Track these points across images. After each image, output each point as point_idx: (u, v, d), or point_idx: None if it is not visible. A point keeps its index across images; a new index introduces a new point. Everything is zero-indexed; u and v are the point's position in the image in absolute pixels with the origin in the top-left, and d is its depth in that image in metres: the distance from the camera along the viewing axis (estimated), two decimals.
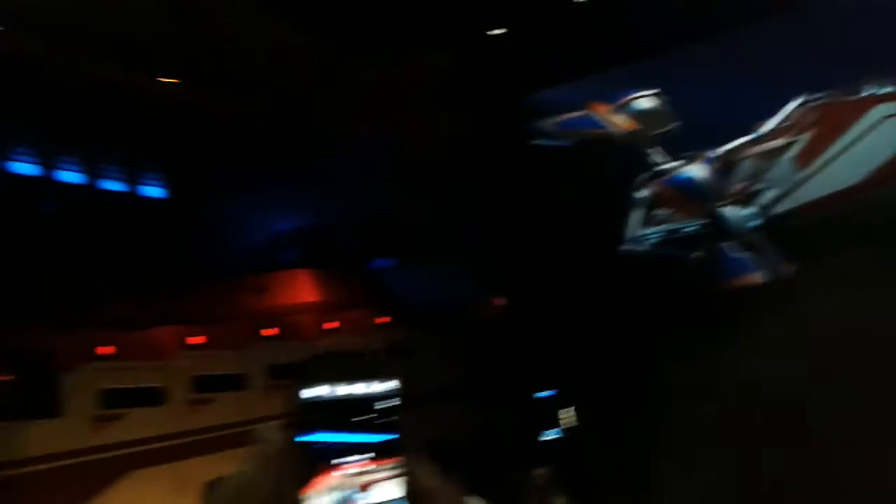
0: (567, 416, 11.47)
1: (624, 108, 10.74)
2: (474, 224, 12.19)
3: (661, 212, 10.67)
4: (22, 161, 12.02)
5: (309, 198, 12.59)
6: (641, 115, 10.65)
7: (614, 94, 10.75)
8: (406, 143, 11.16)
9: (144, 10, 9.04)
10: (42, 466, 7.64)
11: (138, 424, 8.59)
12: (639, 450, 9.47)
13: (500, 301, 12.46)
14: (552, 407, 11.45)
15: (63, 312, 10.05)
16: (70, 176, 12.66)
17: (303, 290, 11.86)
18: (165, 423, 8.84)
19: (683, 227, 10.47)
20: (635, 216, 10.71)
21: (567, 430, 11.54)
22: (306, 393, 0.63)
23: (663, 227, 10.61)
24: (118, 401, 8.50)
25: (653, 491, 8.98)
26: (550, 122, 11.15)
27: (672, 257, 10.40)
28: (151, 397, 8.86)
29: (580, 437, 11.20)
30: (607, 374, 10.44)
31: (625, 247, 10.64)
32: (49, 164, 12.38)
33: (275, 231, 13.66)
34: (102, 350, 8.64)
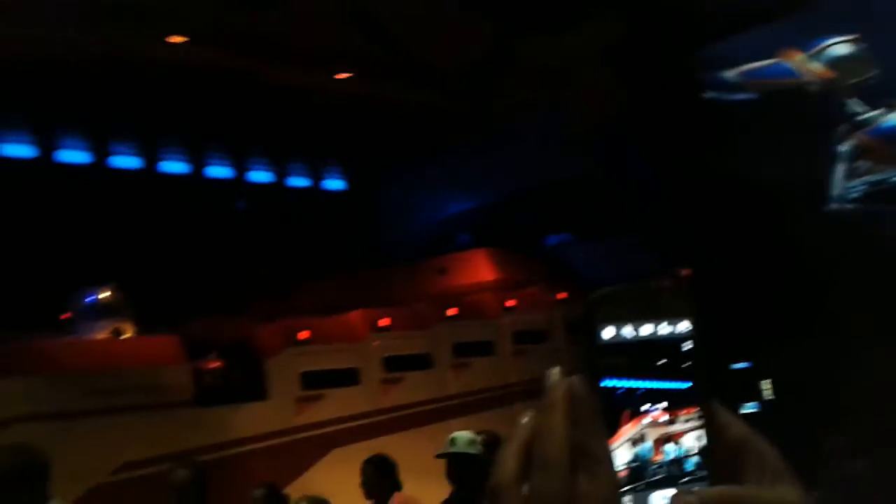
0: (766, 388, 10.81)
1: (819, 55, 9.84)
2: (654, 192, 11.71)
3: (864, 163, 9.73)
4: (216, 165, 13.00)
5: (482, 178, 12.65)
6: (838, 62, 9.70)
7: (807, 40, 9.88)
8: (580, 114, 10.89)
9: (320, 13, 9.41)
10: (252, 446, 8.19)
11: (336, 404, 9.01)
12: (834, 422, 8.78)
13: (685, 271, 11.91)
14: (749, 379, 10.81)
15: (264, 302, 10.78)
16: (259, 175, 13.54)
17: (481, 269, 11.93)
18: (361, 403, 9.22)
19: (890, 178, 9.51)
20: (838, 170, 9.83)
21: (765, 403, 10.88)
22: (601, 333, 0.58)
23: (867, 178, 9.68)
24: (317, 382, 8.95)
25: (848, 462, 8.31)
26: (733, 74, 10.43)
27: (880, 211, 9.47)
28: (347, 378, 9.27)
29: (778, 409, 10.52)
30: (806, 343, 9.70)
31: (830, 204, 9.79)
32: (241, 166, 13.30)
33: (451, 213, 13.87)
34: (301, 335, 9.09)
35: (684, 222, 11.47)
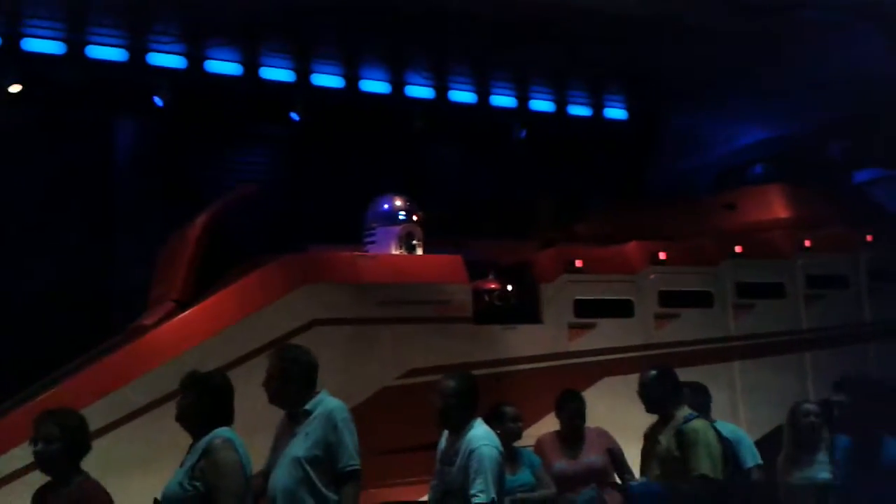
0: None
1: None
2: None
3: None
4: (500, 94, 13.33)
5: (781, 105, 11.59)
6: None
7: None
8: None
9: None
10: (525, 366, 8.44)
11: (609, 334, 8.96)
12: None
13: None
14: None
15: (543, 229, 10.96)
16: (542, 105, 13.66)
17: (775, 205, 11.03)
18: (634, 335, 9.07)
19: None
20: None
21: None
22: None
23: None
24: (590, 310, 8.95)
25: None
26: None
27: None
28: (621, 309, 9.15)
29: None
30: None
31: None
32: (524, 95, 13.52)
33: (743, 144, 12.95)
34: (578, 263, 9.12)
35: None
